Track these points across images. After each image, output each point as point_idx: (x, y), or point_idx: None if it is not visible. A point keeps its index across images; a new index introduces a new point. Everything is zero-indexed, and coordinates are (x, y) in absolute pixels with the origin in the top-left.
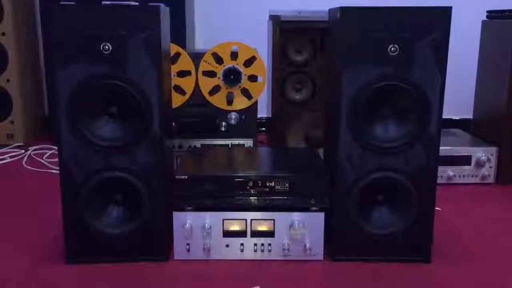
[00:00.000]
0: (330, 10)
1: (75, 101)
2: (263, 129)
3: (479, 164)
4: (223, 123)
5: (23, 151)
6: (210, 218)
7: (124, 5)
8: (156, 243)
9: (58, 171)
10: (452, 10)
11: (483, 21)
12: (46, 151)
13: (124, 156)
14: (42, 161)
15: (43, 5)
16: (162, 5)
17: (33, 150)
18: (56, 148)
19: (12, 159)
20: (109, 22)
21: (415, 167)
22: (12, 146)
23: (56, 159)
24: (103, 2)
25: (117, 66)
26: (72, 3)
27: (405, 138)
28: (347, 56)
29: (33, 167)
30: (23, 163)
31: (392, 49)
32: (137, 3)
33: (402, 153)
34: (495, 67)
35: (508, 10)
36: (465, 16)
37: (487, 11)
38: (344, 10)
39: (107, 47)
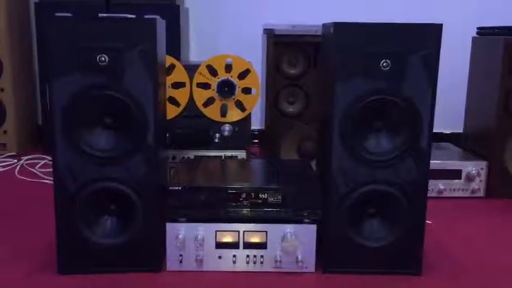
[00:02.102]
0: (323, 25)
1: (71, 112)
2: (257, 141)
3: (469, 178)
4: (217, 135)
5: (15, 160)
6: (203, 230)
7: (120, 17)
8: (149, 254)
9: (51, 181)
10: (444, 26)
11: (473, 38)
12: (39, 161)
13: (118, 167)
14: (35, 171)
15: (38, 16)
16: (158, 18)
17: (26, 160)
18: (49, 158)
19: (5, 168)
20: (105, 34)
21: (406, 180)
22: (5, 155)
23: (49, 169)
24: (100, 15)
25: (113, 78)
26: (69, 14)
27: (397, 151)
28: (340, 70)
29: (25, 177)
30: (16, 173)
31: (384, 64)
32: (133, 16)
33: (394, 166)
34: (485, 83)
35: (497, 27)
36: (456, 32)
37: (478, 28)
38: (338, 25)
39: (103, 58)
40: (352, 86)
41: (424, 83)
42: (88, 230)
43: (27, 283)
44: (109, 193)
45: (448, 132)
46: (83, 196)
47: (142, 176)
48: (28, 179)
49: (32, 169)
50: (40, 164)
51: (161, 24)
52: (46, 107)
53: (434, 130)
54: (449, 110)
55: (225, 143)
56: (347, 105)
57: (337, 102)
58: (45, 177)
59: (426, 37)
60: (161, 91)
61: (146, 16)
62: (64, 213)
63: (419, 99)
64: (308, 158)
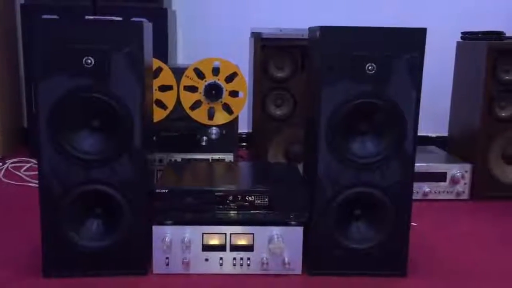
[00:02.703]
0: (310, 28)
1: (57, 114)
2: (244, 144)
3: (454, 181)
4: (204, 138)
5: (0, 164)
6: (190, 232)
7: (107, 20)
8: (135, 256)
9: (36, 185)
10: (429, 31)
11: (457, 42)
12: (25, 164)
13: (104, 169)
14: (20, 174)
15: (24, 18)
16: (145, 21)
17: (11, 163)
18: (34, 161)
19: None
20: (92, 36)
21: (391, 182)
22: None
23: (35, 172)
24: (87, 17)
25: (100, 80)
26: (55, 17)
27: (382, 154)
28: (326, 73)
29: (11, 180)
30: (1, 176)
31: (370, 67)
32: (120, 19)
33: (379, 169)
34: (469, 87)
35: (481, 32)
36: (441, 37)
37: (462, 33)
38: (324, 29)
39: (89, 61)
40: (338, 89)
41: (408, 86)
42: (73, 233)
43: (12, 286)
44: (95, 196)
45: (433, 136)
46: (68, 199)
47: (128, 179)
48: (13, 182)
49: (18, 172)
50: (26, 167)
51: (148, 27)
52: (32, 110)
53: (420, 134)
54: (435, 114)
55: (213, 146)
56: (333, 108)
57: (323, 105)
58: (30, 180)
59: (411, 41)
60: (148, 93)
61: (133, 19)
62: (49, 216)
63: (403, 103)
64: (295, 161)
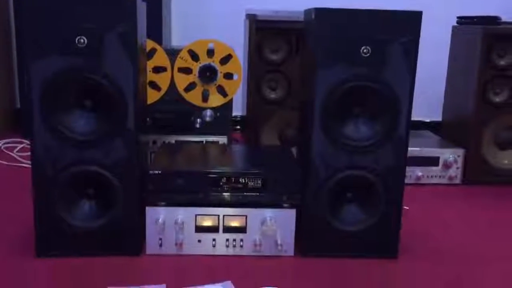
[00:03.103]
0: (305, 11)
1: (49, 94)
2: (238, 127)
3: (447, 165)
4: (198, 120)
5: None
6: (183, 214)
7: None
8: (128, 237)
9: (29, 165)
10: (425, 15)
11: (453, 27)
12: (17, 144)
13: (97, 150)
14: (13, 154)
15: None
16: (138, 0)
17: (4, 144)
18: (27, 142)
19: None
20: (85, 15)
21: (384, 166)
22: None
23: (28, 153)
24: None
25: (92, 60)
26: None
27: (375, 138)
28: (320, 56)
29: (4, 161)
30: None
31: (365, 50)
32: None
33: (372, 152)
34: (463, 71)
35: (477, 16)
36: (437, 22)
37: (457, 17)
38: (319, 11)
39: (82, 40)
40: (332, 72)
41: (403, 70)
42: (66, 213)
43: (5, 267)
44: (88, 177)
45: (428, 121)
46: (61, 180)
47: (121, 160)
48: (6, 163)
49: (11, 153)
50: (19, 148)
51: (141, 6)
52: (24, 90)
53: (414, 118)
54: (430, 99)
55: (207, 128)
56: (328, 91)
57: (317, 88)
58: (23, 160)
59: (406, 25)
60: (142, 74)
61: None
62: (42, 196)
63: (398, 86)
64: (289, 144)
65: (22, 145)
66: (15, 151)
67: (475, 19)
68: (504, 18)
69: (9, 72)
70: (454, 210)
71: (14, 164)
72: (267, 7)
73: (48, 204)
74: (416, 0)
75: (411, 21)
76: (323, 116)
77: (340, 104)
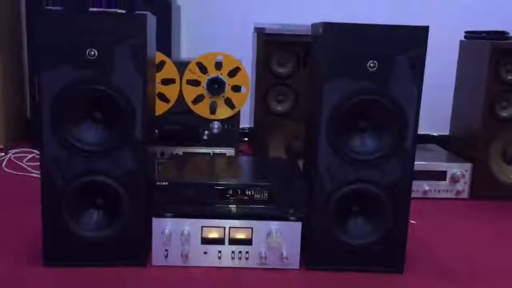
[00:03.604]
0: (313, 25)
1: (59, 105)
2: (246, 139)
3: (454, 180)
4: (206, 132)
5: (3, 154)
6: (189, 225)
7: (111, 12)
8: (135, 248)
9: (38, 175)
10: (433, 29)
11: (461, 41)
12: (27, 154)
13: (105, 161)
14: (23, 164)
15: (29, 9)
16: (148, 14)
17: (14, 154)
18: (37, 152)
19: None
20: (95, 28)
21: (390, 179)
22: None
23: (37, 163)
24: (91, 9)
25: (102, 72)
26: (59, 8)
27: (382, 151)
28: (327, 69)
29: (13, 170)
30: (3, 166)
31: (371, 64)
32: (123, 11)
33: (378, 166)
34: (471, 86)
35: (485, 31)
36: (444, 36)
37: (465, 32)
38: (326, 25)
39: (92, 52)
40: (339, 86)
41: (410, 84)
42: (74, 223)
43: (13, 276)
44: (96, 187)
45: (435, 134)
46: (70, 190)
47: (129, 171)
48: (15, 172)
49: (20, 163)
50: (28, 157)
51: (151, 20)
52: (35, 101)
53: (422, 132)
54: (437, 113)
55: (214, 140)
56: (334, 105)
57: (324, 102)
58: (32, 170)
59: (413, 39)
60: (151, 86)
61: (137, 12)
62: (50, 206)
63: (405, 100)
64: (296, 157)
65: (31, 155)
66: (24, 161)
67: (483, 34)
68: None
69: (20, 83)
70: (461, 225)
71: (24, 174)
72: (276, 21)
73: (56, 214)
74: (423, 14)
75: (418, 35)
76: (329, 129)
77: (347, 118)
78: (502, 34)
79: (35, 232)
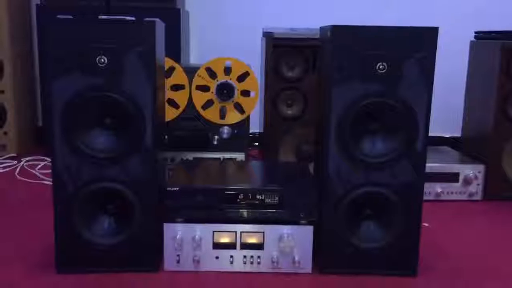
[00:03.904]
0: (321, 28)
1: (70, 113)
2: (256, 143)
3: (467, 181)
4: (216, 137)
5: (16, 162)
6: (200, 230)
7: (120, 19)
8: (147, 254)
9: (50, 182)
10: (443, 30)
11: (471, 42)
12: (39, 162)
13: (116, 167)
14: (35, 172)
15: (39, 18)
16: (157, 20)
17: (26, 162)
18: (49, 159)
19: (5, 170)
20: (105, 36)
21: (402, 182)
22: (5, 157)
23: (49, 171)
24: (100, 17)
25: (112, 79)
26: (69, 16)
27: (393, 154)
28: (337, 73)
29: (26, 178)
30: (16, 174)
31: (381, 67)
32: (133, 18)
33: (389, 168)
34: (482, 87)
35: (495, 31)
36: (455, 36)
37: (475, 32)
38: (335, 28)
39: (102, 60)
40: (349, 89)
41: (420, 86)
42: (86, 230)
43: (26, 283)
44: (107, 193)
45: (447, 136)
46: (81, 196)
47: (140, 177)
48: (28, 180)
49: (32, 170)
50: (40, 165)
51: (160, 27)
52: (47, 108)
53: (434, 134)
54: (449, 114)
55: (224, 145)
56: (344, 108)
57: (333, 105)
58: (45, 178)
59: (423, 41)
60: (160, 93)
61: (146, 19)
62: (63, 213)
63: (415, 102)
64: (306, 161)
65: (44, 163)
66: (37, 168)
67: (493, 34)
68: None
69: (32, 91)
70: (475, 227)
71: (37, 181)
72: (284, 25)
73: (68, 221)
74: (433, 15)
75: (427, 37)
76: (339, 132)
77: (357, 120)
78: None
79: (49, 240)
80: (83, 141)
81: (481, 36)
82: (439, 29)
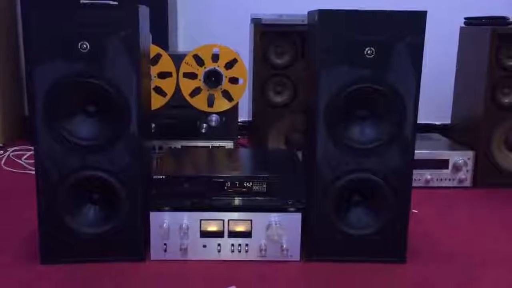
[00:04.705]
0: (309, 13)
1: (52, 100)
2: (244, 131)
3: (456, 168)
4: (204, 125)
5: (2, 152)
6: (188, 219)
7: (102, 4)
8: (133, 243)
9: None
10: (432, 16)
11: (461, 28)
12: (25, 152)
13: (101, 156)
14: (21, 162)
15: (24, 5)
16: (141, 6)
17: (13, 151)
18: None
19: None
20: (87, 21)
21: (390, 168)
22: None
23: None
24: (82, 1)
25: (95, 65)
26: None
27: (381, 140)
28: (324, 58)
29: (12, 168)
30: (2, 164)
31: (369, 52)
32: (115, 3)
33: (378, 155)
34: (472, 73)
35: (485, 17)
36: (445, 22)
37: (465, 18)
38: (322, 13)
39: (84, 45)
40: (336, 74)
41: (408, 71)
42: (71, 219)
43: (10, 273)
44: (92, 182)
45: (438, 123)
46: (66, 185)
47: (125, 165)
48: (14, 170)
49: (19, 160)
50: (27, 155)
51: (144, 11)
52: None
53: (424, 121)
54: (440, 101)
55: (213, 133)
56: (332, 94)
57: (321, 91)
58: (31, 168)
59: (411, 25)
60: (146, 80)
61: (129, 3)
62: (47, 202)
63: (403, 87)
64: (296, 148)
65: (30, 153)
66: (23, 158)
67: (483, 20)
68: None
69: (17, 80)
70: (464, 213)
71: (23, 171)
72: (273, 11)
73: (52, 210)
74: (422, 1)
75: (415, 21)
76: (327, 118)
77: (345, 106)
78: (502, 20)
79: (34, 230)
80: (66, 129)
81: (471, 22)
82: (427, 13)
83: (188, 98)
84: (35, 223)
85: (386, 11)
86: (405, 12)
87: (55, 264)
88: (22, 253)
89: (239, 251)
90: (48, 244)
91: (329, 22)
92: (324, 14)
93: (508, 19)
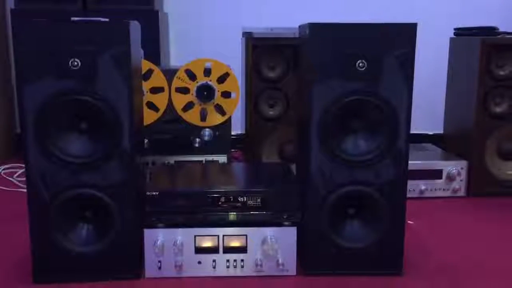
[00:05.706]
0: (300, 26)
1: (43, 118)
2: (238, 145)
3: (450, 178)
4: (197, 140)
5: None
6: (182, 235)
7: (93, 21)
8: (127, 260)
9: None
10: (422, 27)
11: (451, 38)
12: (17, 170)
13: (93, 173)
14: (13, 180)
15: (14, 22)
16: (132, 22)
17: (4, 169)
18: None
19: None
20: (77, 38)
21: (385, 180)
22: None
23: None
24: (72, 19)
25: (86, 82)
26: (43, 20)
27: (375, 152)
28: (316, 71)
29: (3, 186)
30: None
31: (360, 64)
32: (107, 20)
33: (372, 167)
34: (463, 83)
35: (475, 27)
36: (434, 33)
37: (455, 29)
38: (313, 26)
39: (76, 62)
40: (328, 87)
41: (400, 83)
42: (63, 238)
43: None
44: (84, 200)
45: (431, 133)
46: (57, 204)
47: (118, 182)
48: (5, 188)
49: (10, 178)
50: (18, 173)
51: (135, 28)
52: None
53: (417, 131)
54: (433, 111)
55: (206, 148)
56: (324, 106)
57: (314, 104)
58: (23, 186)
59: (402, 37)
60: (137, 95)
61: (119, 20)
62: (38, 221)
63: (395, 99)
64: (290, 161)
65: (22, 170)
66: (15, 176)
67: (473, 30)
68: (502, 29)
69: (8, 97)
70: (459, 223)
71: (14, 189)
72: (264, 25)
73: (44, 229)
74: (412, 12)
75: (406, 33)
76: (320, 131)
77: (338, 119)
78: (492, 30)
79: (26, 249)
80: (57, 146)
81: (461, 32)
82: (419, 24)
83: (180, 112)
84: (27, 242)
85: (376, 23)
86: (396, 25)
87: (48, 283)
88: (15, 272)
89: (235, 267)
90: (41, 263)
91: (320, 35)
92: (315, 27)
93: (498, 29)
